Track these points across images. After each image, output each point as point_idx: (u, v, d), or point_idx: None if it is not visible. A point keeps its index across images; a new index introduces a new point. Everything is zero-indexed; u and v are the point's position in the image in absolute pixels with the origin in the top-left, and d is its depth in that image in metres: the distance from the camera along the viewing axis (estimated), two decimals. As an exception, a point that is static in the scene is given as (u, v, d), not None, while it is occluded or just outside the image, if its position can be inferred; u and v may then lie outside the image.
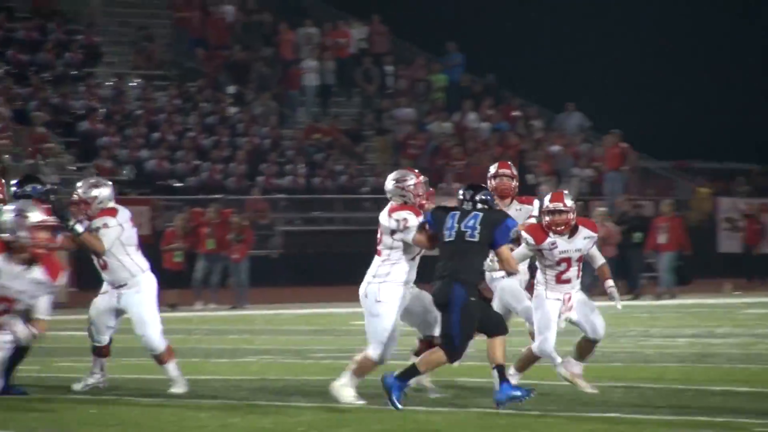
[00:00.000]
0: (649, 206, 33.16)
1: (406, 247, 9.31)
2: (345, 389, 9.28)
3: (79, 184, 10.15)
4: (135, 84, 32.84)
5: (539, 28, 55.23)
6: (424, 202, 9.47)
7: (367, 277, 9.41)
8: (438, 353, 9.04)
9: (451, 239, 9.06)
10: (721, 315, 22.45)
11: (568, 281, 9.84)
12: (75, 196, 10.00)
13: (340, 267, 27.45)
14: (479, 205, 9.02)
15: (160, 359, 9.80)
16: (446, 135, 34.97)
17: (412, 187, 9.50)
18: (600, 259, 10.06)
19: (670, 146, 45.35)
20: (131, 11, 36.12)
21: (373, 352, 9.44)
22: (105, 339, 9.67)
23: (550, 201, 9.68)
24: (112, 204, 9.91)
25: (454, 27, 45.33)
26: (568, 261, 9.76)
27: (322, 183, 29.88)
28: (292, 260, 27.74)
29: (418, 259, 9.53)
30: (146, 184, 29.93)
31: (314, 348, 14.12)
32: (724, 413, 8.07)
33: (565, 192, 9.98)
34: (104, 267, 9.76)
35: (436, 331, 9.43)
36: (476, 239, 8.94)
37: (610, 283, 9.86)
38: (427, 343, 9.58)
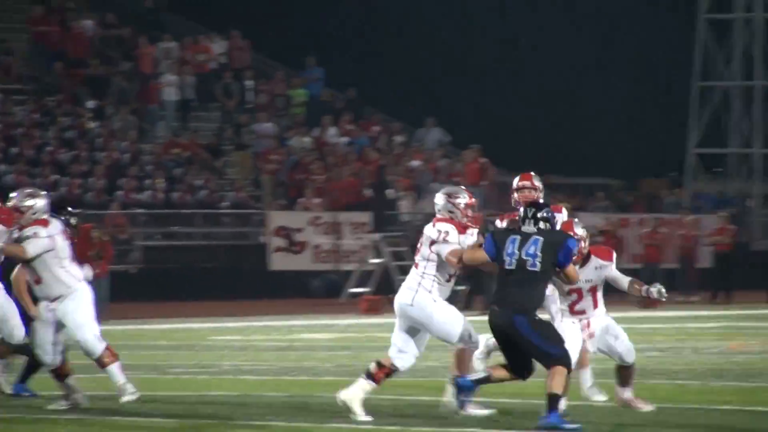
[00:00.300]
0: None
1: (440, 265, 9.31)
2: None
3: (14, 193, 10.23)
4: (-7, 98, 32.51)
5: (400, 44, 55.31)
6: (470, 224, 9.50)
7: (410, 291, 9.48)
8: (557, 375, 9.03)
9: (511, 267, 8.95)
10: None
11: (582, 312, 9.79)
12: (9, 203, 10.09)
13: (199, 282, 27.83)
14: (540, 224, 8.91)
15: (100, 362, 9.75)
16: (306, 150, 34.97)
17: (462, 205, 9.52)
18: (624, 280, 9.82)
19: (528, 161, 44.90)
20: (-11, 25, 35.86)
21: (458, 339, 9.48)
22: (57, 359, 9.60)
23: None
24: (45, 216, 9.91)
25: (314, 42, 45.45)
26: (578, 292, 9.71)
27: (182, 198, 29.76)
28: (151, 275, 27.64)
29: (453, 282, 9.62)
30: (4, 199, 28.08)
31: (173, 363, 14.16)
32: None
33: (576, 221, 9.92)
34: (38, 281, 9.75)
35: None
36: (537, 269, 8.89)
37: (645, 288, 9.65)
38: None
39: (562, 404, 8.78)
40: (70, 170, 29.59)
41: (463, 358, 9.59)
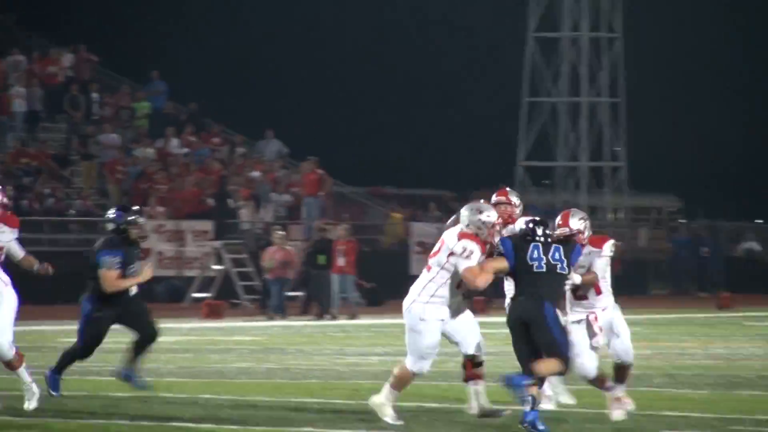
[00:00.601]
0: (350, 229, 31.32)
1: (454, 274, 9.42)
2: (384, 407, 9.45)
3: None
4: None
5: (241, 58, 56.65)
6: (489, 241, 9.57)
7: (413, 294, 9.59)
8: (552, 363, 9.27)
9: (542, 270, 9.35)
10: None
11: (584, 298, 9.98)
12: None
13: (47, 287, 27.40)
14: (548, 239, 9.38)
15: (10, 366, 9.96)
16: (150, 160, 35.11)
17: (490, 224, 9.61)
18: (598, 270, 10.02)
19: (365, 173, 46.28)
20: None
21: (411, 365, 9.56)
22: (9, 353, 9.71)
23: (558, 224, 9.85)
24: None
25: (158, 56, 45.80)
26: None
27: (30, 205, 29.58)
28: (0, 280, 26.92)
29: (462, 289, 9.73)
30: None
31: (22, 364, 13.48)
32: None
33: (573, 212, 10.04)
34: None
35: (472, 350, 9.64)
36: (566, 272, 9.37)
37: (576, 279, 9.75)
38: (470, 361, 9.74)
39: (534, 389, 9.13)
40: None
41: (404, 379, 9.67)
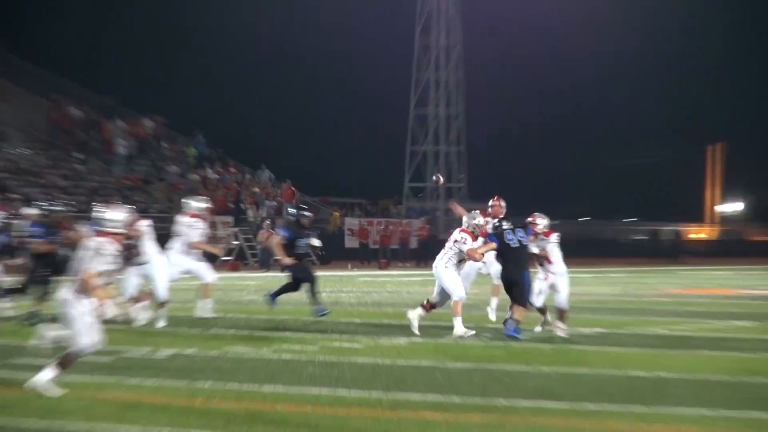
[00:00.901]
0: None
1: (459, 252, 11.87)
2: (458, 328, 11.77)
3: None
4: None
5: (246, 117, 65.38)
6: (480, 235, 11.84)
7: (437, 261, 11.98)
8: (520, 309, 11.49)
9: (516, 245, 11.48)
10: (345, 280, 26.61)
11: (542, 264, 12.39)
12: None
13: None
14: (513, 226, 11.70)
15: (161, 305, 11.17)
16: (196, 182, 38.93)
17: (480, 225, 12.04)
18: (548, 253, 12.41)
19: (318, 187, 52.05)
20: None
21: (457, 296, 11.86)
22: None
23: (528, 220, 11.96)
24: None
25: (199, 121, 50.65)
26: (542, 253, 12.33)
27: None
28: None
29: (464, 263, 12.12)
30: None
31: None
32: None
33: (538, 215, 12.19)
34: None
35: (435, 301, 12.18)
36: (528, 245, 11.57)
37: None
38: (430, 303, 12.33)
39: (514, 324, 11.26)
40: None
41: (459, 305, 11.67)
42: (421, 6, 58.64)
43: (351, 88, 65.23)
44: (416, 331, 11.79)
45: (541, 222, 12.08)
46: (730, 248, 57.26)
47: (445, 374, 9.34)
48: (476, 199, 49.29)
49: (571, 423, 7.22)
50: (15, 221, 14.41)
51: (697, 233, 66.87)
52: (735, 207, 74.31)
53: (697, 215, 71.96)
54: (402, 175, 60.38)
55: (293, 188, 43.03)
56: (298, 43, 65.01)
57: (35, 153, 37.86)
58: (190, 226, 13.93)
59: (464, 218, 12.28)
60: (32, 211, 14.59)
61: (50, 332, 8.62)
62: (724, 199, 74.05)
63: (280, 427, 7.07)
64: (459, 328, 11.62)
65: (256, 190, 42.39)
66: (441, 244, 12.48)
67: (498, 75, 66.01)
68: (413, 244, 42.67)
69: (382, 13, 60.94)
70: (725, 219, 72.88)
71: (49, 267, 13.62)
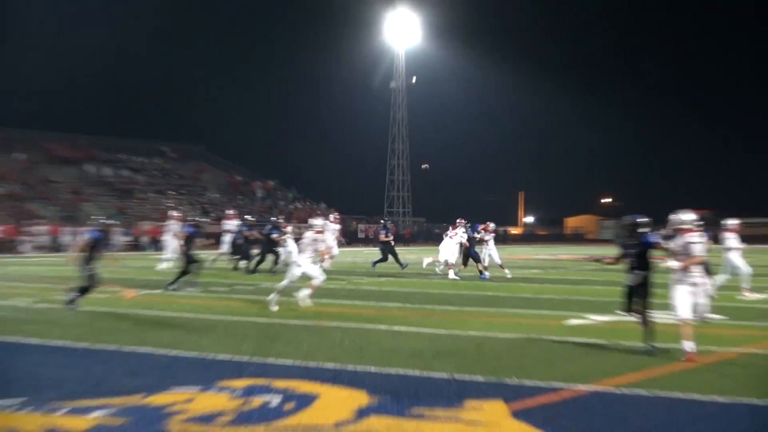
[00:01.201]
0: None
1: (457, 240, 16.73)
2: (450, 275, 16.15)
3: None
4: None
5: (285, 153, 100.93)
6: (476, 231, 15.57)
7: (445, 238, 16.97)
8: (480, 264, 15.82)
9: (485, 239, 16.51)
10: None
11: (484, 242, 16.55)
12: None
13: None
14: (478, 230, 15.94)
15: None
16: (276, 214, 50.83)
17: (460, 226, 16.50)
18: (490, 251, 16.16)
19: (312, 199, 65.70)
20: None
21: (442, 258, 17.38)
22: None
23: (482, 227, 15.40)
24: None
25: (271, 174, 70.13)
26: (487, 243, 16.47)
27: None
28: None
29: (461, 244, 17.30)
30: None
31: None
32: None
33: (489, 224, 15.57)
34: None
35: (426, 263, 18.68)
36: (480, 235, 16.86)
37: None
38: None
39: (453, 273, 15.54)
40: None
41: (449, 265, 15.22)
42: (390, 129, 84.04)
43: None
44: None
45: (490, 225, 16.52)
46: None
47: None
48: (417, 215, 77.73)
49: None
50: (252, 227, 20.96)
51: None
52: None
53: None
54: (382, 198, 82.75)
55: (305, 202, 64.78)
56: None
57: (223, 197, 61.40)
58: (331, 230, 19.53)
59: (458, 222, 16.86)
60: (251, 219, 21.62)
61: (303, 293, 12.29)
62: None
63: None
64: (452, 275, 15.58)
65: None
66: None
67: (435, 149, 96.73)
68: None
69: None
70: None
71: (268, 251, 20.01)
